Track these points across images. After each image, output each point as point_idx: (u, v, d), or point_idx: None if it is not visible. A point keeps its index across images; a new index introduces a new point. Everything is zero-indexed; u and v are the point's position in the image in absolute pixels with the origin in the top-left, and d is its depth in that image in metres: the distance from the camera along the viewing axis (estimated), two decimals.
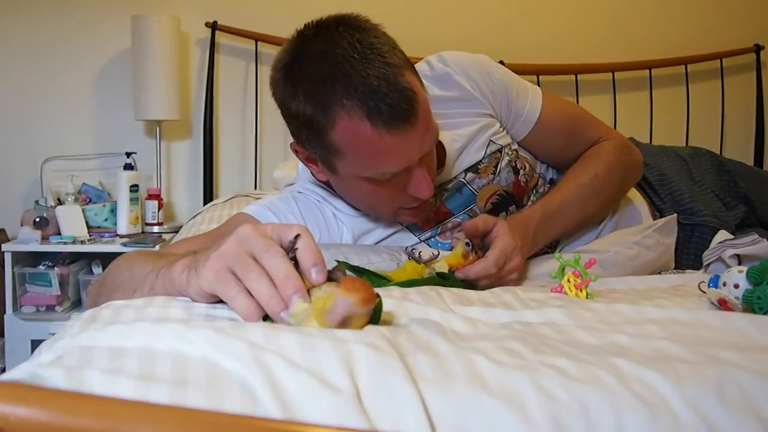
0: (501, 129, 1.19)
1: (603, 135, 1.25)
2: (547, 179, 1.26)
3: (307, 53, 0.95)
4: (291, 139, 1.05)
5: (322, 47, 0.93)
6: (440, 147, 1.13)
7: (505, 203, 1.19)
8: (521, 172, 1.20)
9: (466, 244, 0.98)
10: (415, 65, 1.20)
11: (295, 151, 1.07)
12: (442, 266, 0.97)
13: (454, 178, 1.16)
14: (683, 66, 2.66)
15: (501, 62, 2.21)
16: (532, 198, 1.22)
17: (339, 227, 1.14)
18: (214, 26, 2.45)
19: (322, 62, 0.93)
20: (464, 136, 1.15)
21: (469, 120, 1.16)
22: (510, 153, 1.19)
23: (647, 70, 2.65)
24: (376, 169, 0.97)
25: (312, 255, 0.63)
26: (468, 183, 1.16)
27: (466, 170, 1.16)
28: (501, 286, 0.93)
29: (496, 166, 1.17)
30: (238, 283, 0.63)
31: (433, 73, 1.17)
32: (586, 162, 1.20)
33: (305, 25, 0.99)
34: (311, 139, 0.99)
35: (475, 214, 1.17)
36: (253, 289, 0.62)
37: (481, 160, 1.16)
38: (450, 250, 1.16)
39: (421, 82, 1.00)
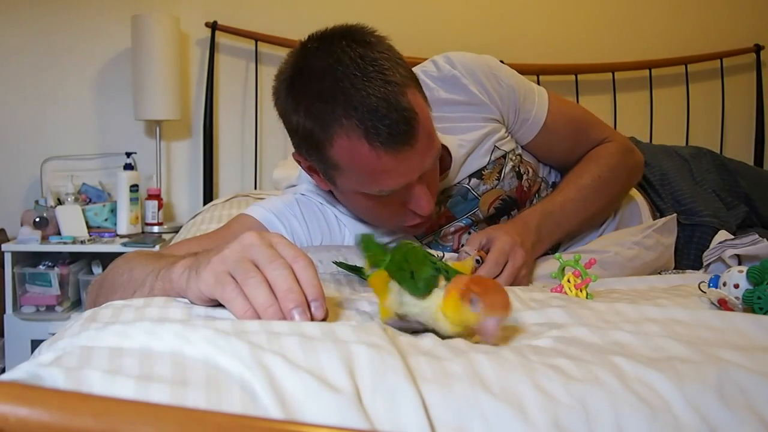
0: (506, 134, 1.18)
1: (607, 136, 1.25)
2: (550, 183, 1.26)
3: (309, 68, 0.94)
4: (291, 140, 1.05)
5: (324, 63, 0.92)
6: (445, 151, 1.12)
7: (508, 208, 1.18)
8: (524, 177, 1.19)
9: (477, 261, 0.97)
10: (421, 65, 1.20)
11: (298, 161, 1.06)
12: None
13: (458, 183, 1.15)
14: (683, 66, 2.66)
15: (501, 62, 2.20)
16: (534, 202, 1.22)
17: (341, 230, 1.13)
18: (214, 26, 2.44)
19: (323, 79, 0.91)
20: (470, 142, 1.14)
21: (475, 125, 1.15)
22: (514, 158, 1.18)
23: (647, 70, 2.65)
24: (374, 187, 0.96)
25: (313, 290, 0.62)
26: (472, 188, 1.15)
27: (471, 176, 1.15)
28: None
29: (500, 172, 1.16)
30: (237, 286, 0.63)
31: (439, 75, 1.16)
32: (588, 163, 1.20)
33: (309, 36, 0.97)
34: (311, 153, 0.98)
35: (478, 219, 1.16)
36: (251, 296, 0.62)
37: (485, 166, 1.15)
38: (452, 251, 1.16)
39: (425, 97, 0.99)
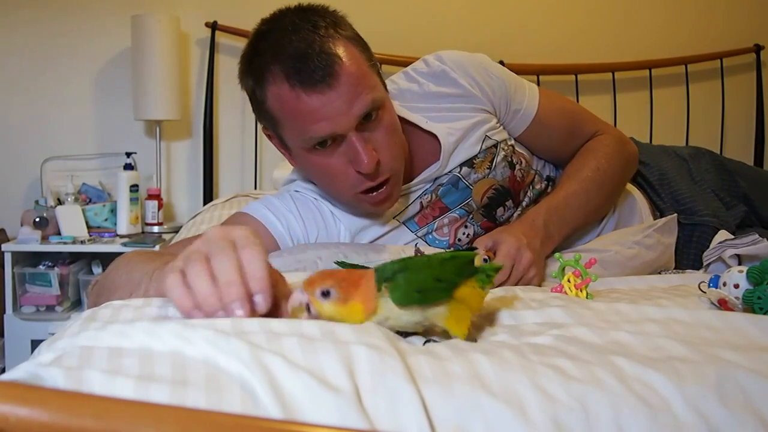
0: (498, 125, 1.20)
1: (600, 129, 1.27)
2: (544, 176, 1.27)
3: (255, 35, 1.02)
4: None
5: (267, 27, 1.00)
6: (434, 139, 1.13)
7: (501, 198, 1.19)
8: (517, 167, 1.20)
9: (484, 260, 0.96)
10: (412, 64, 1.22)
11: (268, 137, 1.09)
12: None
13: (449, 172, 1.16)
14: (683, 66, 2.66)
15: (501, 62, 2.21)
16: (528, 194, 1.23)
17: (336, 225, 1.14)
18: (214, 26, 2.44)
19: (262, 39, 0.99)
20: (459, 130, 1.15)
21: (465, 114, 1.16)
22: (506, 148, 1.19)
23: (647, 70, 2.64)
24: (304, 134, 0.98)
25: (257, 283, 0.60)
26: (463, 177, 1.16)
27: (462, 164, 1.16)
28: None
29: (491, 161, 1.17)
30: (181, 277, 0.61)
31: (429, 71, 1.19)
32: (586, 155, 1.21)
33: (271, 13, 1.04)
34: (259, 114, 1.04)
35: (471, 209, 1.17)
36: (191, 285, 0.60)
37: (476, 155, 1.17)
38: (449, 247, 1.16)
39: (370, 59, 1.01)
